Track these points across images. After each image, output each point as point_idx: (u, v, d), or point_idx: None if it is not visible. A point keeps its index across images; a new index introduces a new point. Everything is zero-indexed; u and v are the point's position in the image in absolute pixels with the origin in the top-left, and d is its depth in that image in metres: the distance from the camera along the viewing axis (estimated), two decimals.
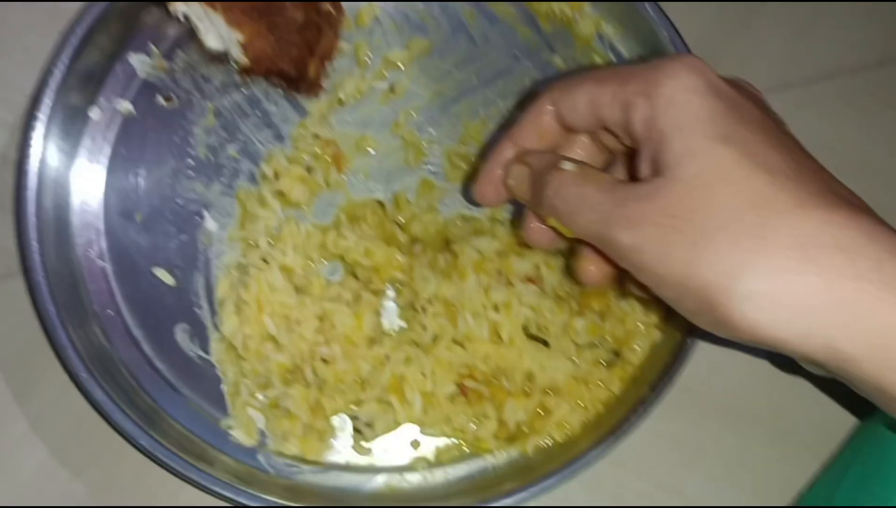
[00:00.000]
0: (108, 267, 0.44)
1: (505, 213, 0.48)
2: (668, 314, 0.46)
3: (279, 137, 0.47)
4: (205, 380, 0.44)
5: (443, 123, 0.49)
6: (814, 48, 0.56)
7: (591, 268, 0.38)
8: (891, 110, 0.55)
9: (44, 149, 0.43)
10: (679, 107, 0.32)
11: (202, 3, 0.45)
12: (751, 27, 0.56)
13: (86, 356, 0.41)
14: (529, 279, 0.45)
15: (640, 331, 0.46)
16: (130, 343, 0.43)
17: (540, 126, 0.38)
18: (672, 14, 0.49)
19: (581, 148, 0.39)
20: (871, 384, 0.29)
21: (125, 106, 0.46)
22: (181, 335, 0.44)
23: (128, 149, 0.46)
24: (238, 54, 0.46)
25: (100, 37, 0.44)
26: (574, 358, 0.45)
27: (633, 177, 0.35)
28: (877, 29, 0.56)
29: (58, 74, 0.43)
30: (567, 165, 0.35)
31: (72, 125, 0.44)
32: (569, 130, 0.38)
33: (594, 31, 0.51)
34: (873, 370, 0.28)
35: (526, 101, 0.49)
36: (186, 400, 0.43)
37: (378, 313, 0.45)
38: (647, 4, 0.49)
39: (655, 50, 0.49)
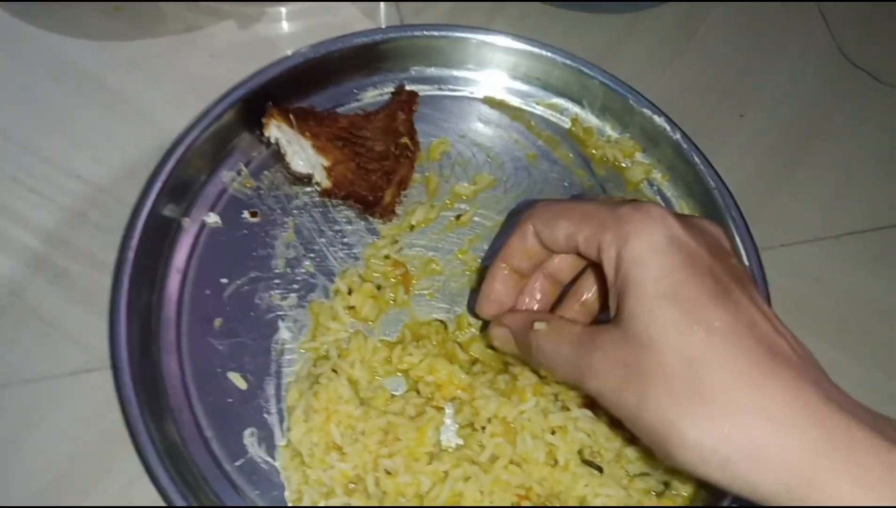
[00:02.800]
0: (187, 369, 0.46)
1: None
2: None
3: (353, 255, 0.50)
4: (269, 485, 0.45)
5: None
6: (847, 205, 0.60)
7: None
8: None
9: (138, 255, 0.45)
10: (640, 266, 0.35)
11: (293, 129, 0.49)
12: (791, 181, 0.60)
13: (161, 450, 0.42)
14: (585, 405, 0.47)
15: None
16: (201, 443, 0.45)
17: (525, 249, 0.42)
18: (718, 164, 0.53)
19: (564, 264, 0.43)
20: None
21: (213, 218, 0.49)
22: (249, 439, 0.45)
23: (212, 258, 0.49)
24: (322, 177, 0.49)
25: (196, 156, 0.49)
26: (626, 486, 0.46)
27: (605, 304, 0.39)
28: None
29: (156, 187, 0.47)
30: (539, 326, 0.41)
31: (164, 234, 0.48)
32: (550, 251, 0.42)
33: (644, 177, 0.56)
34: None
35: (512, 216, 0.52)
36: (251, 504, 0.44)
37: (439, 430, 0.47)
38: (694, 155, 0.53)
39: (701, 198, 0.53)
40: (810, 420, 0.31)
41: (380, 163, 0.50)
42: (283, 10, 0.59)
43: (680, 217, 0.37)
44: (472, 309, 0.50)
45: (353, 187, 0.50)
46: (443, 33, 0.54)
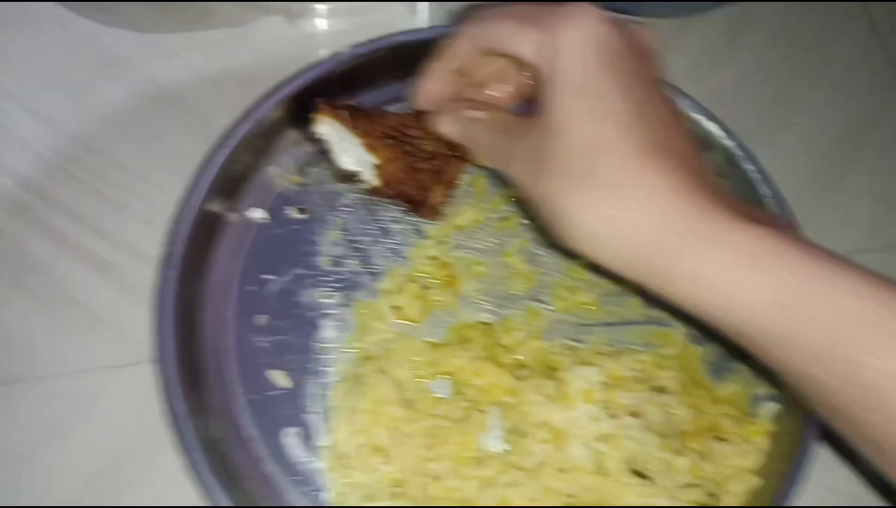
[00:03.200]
0: (231, 365, 0.45)
1: (610, 346, 0.49)
2: (768, 463, 0.47)
3: (399, 255, 0.50)
4: (311, 486, 0.44)
5: (551, 255, 0.51)
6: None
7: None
8: None
9: (185, 249, 0.45)
10: (562, 58, 0.37)
11: (344, 126, 0.48)
12: (840, 190, 0.59)
13: (203, 448, 0.41)
14: (634, 414, 0.46)
15: (737, 475, 0.46)
16: (242, 441, 0.44)
17: (467, 52, 0.43)
18: (771, 167, 0.52)
19: (497, 69, 0.44)
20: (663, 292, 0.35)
21: (261, 214, 0.49)
22: (292, 438, 0.45)
23: (258, 254, 0.48)
24: (371, 176, 0.49)
25: (244, 151, 0.48)
26: (674, 497, 0.45)
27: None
28: None
29: (204, 182, 0.46)
30: (480, 115, 0.43)
31: (212, 228, 0.47)
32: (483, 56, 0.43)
33: None
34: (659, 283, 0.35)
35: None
36: (291, 505, 0.44)
37: (484, 434, 0.46)
38: (749, 163, 0.52)
39: (755, 200, 0.52)
40: (683, 204, 0.34)
41: (429, 162, 0.49)
42: (326, 6, 0.58)
43: (612, 19, 0.38)
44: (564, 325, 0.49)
45: (403, 187, 0.49)
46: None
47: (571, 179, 0.36)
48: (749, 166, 0.52)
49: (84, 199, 0.50)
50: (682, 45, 0.63)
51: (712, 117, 0.52)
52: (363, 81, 0.53)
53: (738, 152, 0.52)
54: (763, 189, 0.52)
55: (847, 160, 0.61)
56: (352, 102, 0.50)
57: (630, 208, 0.34)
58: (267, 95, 0.49)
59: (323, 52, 0.55)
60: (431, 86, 0.45)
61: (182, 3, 0.56)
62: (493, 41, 0.41)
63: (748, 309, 0.33)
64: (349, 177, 0.50)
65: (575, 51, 0.37)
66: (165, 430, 0.43)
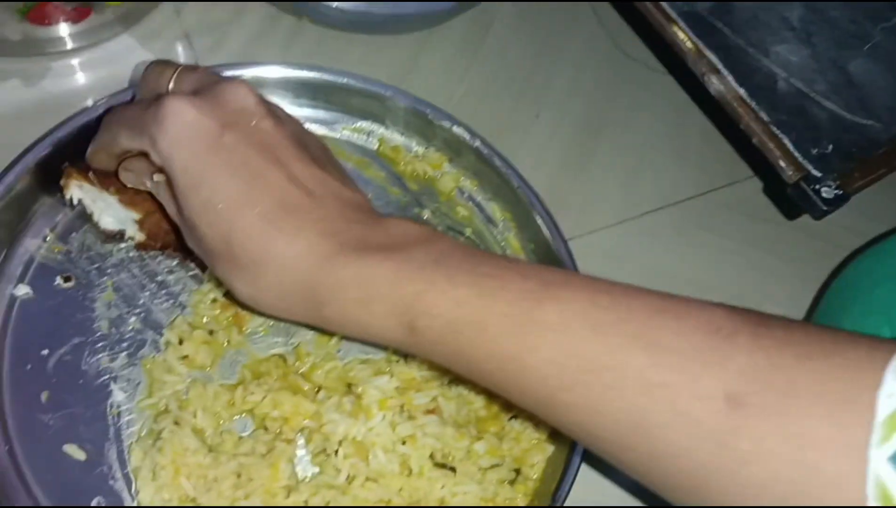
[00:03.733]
0: (17, 451, 0.44)
1: (401, 354, 0.52)
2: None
3: (179, 304, 0.50)
4: None
5: None
6: (641, 187, 0.66)
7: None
8: (707, 233, 0.65)
9: None
10: (169, 163, 0.39)
11: (96, 187, 0.47)
12: (589, 171, 0.66)
13: None
14: (429, 411, 0.49)
15: (534, 447, 0.50)
16: None
17: (108, 151, 0.45)
18: (521, 163, 0.57)
19: None
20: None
21: (24, 290, 0.47)
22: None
23: (29, 331, 0.47)
24: (134, 231, 0.48)
25: None
26: (480, 480, 0.48)
27: None
28: (688, 168, 0.68)
29: None
30: (158, 178, 0.43)
31: None
32: None
33: (454, 186, 0.59)
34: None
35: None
36: None
37: (292, 462, 0.47)
38: (496, 159, 0.56)
39: (509, 198, 0.57)
40: (310, 263, 0.38)
41: None
42: (73, 62, 0.57)
43: (202, 97, 0.40)
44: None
45: (169, 236, 0.49)
46: (240, 72, 0.54)
47: (221, 262, 0.40)
48: (498, 162, 0.56)
49: None
50: (427, 57, 0.67)
51: (457, 122, 0.56)
52: None
53: (485, 151, 0.56)
54: (514, 181, 0.56)
55: (592, 142, 0.67)
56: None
57: (275, 276, 0.38)
58: (9, 166, 0.47)
59: (69, 111, 0.54)
60: (96, 163, 0.46)
61: None
62: (117, 147, 0.43)
63: (383, 330, 0.39)
64: (115, 237, 0.50)
65: (174, 153, 0.39)
66: None
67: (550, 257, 0.54)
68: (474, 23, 0.69)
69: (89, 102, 0.51)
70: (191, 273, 0.51)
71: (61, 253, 0.49)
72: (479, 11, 0.68)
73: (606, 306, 0.35)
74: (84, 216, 0.50)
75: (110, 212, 0.48)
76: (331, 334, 0.51)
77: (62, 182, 0.47)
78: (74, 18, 0.54)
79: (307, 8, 0.62)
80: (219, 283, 0.51)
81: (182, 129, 0.38)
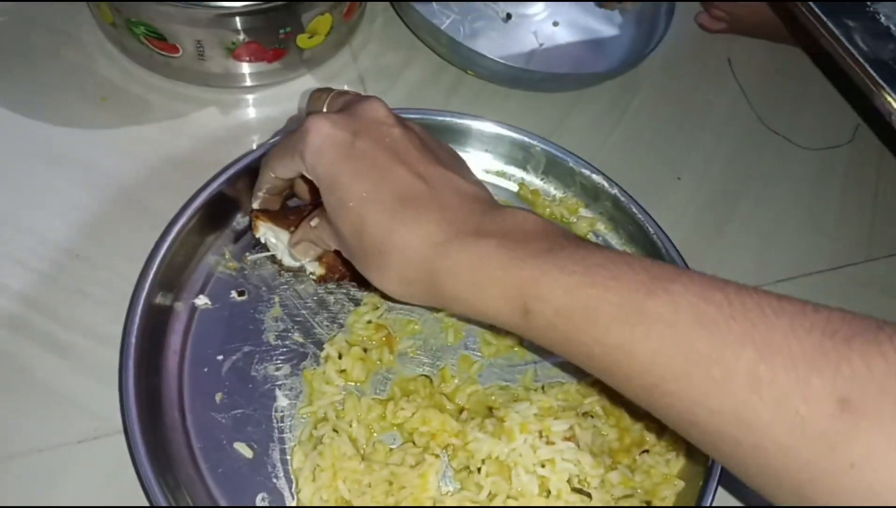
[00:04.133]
0: (194, 444, 0.48)
1: (537, 382, 0.55)
2: (687, 465, 0.52)
3: (338, 323, 0.54)
4: None
5: None
6: (776, 255, 0.68)
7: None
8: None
9: (139, 339, 0.48)
10: (314, 171, 0.44)
11: (280, 227, 0.52)
12: (724, 235, 0.68)
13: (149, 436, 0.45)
14: (566, 439, 0.51)
15: (665, 481, 0.52)
16: None
17: (271, 183, 0.51)
18: (663, 219, 0.60)
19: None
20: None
21: (203, 300, 0.52)
22: (261, 504, 0.48)
23: (206, 337, 0.51)
24: (314, 267, 0.53)
25: (183, 245, 0.52)
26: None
27: None
28: (823, 242, 0.69)
29: (149, 278, 0.50)
30: (314, 222, 0.49)
31: (160, 319, 0.50)
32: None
33: (590, 229, 0.62)
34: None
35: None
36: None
37: (438, 475, 0.50)
38: (632, 206, 0.59)
39: (643, 243, 0.59)
40: (432, 247, 0.41)
41: None
42: (261, 95, 0.64)
43: (341, 113, 0.46)
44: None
45: (346, 268, 0.53)
46: (406, 116, 0.59)
47: (359, 258, 0.44)
48: (635, 209, 0.59)
49: (42, 287, 0.53)
50: (577, 113, 0.71)
51: (597, 171, 0.60)
52: None
53: (623, 197, 0.59)
54: (651, 228, 0.59)
55: (730, 208, 0.70)
56: (277, 208, 0.54)
57: (398, 264, 0.42)
58: (201, 189, 0.53)
59: (255, 138, 0.61)
60: (264, 205, 0.53)
61: (122, 98, 0.61)
62: (278, 172, 0.49)
63: (496, 313, 0.41)
64: (296, 272, 0.54)
65: (317, 159, 0.44)
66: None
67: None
68: (624, 87, 0.73)
69: (272, 133, 0.57)
70: (349, 295, 0.55)
71: (236, 270, 0.54)
72: (629, 77, 0.72)
73: (718, 303, 0.35)
74: (259, 244, 0.55)
75: (291, 251, 0.53)
76: (473, 360, 0.55)
77: (252, 224, 0.52)
78: (270, 58, 0.60)
79: (473, 62, 0.67)
80: (374, 306, 0.55)
81: (321, 140, 0.44)
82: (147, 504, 0.45)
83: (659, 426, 0.54)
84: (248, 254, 0.55)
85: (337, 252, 0.51)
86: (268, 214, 0.53)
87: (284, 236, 0.53)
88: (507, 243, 0.40)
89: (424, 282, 0.42)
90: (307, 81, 0.65)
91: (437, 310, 0.56)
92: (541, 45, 0.73)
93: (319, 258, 0.52)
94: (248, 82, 0.62)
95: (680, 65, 0.77)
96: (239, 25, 0.57)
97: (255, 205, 0.53)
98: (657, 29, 0.73)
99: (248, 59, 0.59)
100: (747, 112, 0.76)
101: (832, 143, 0.76)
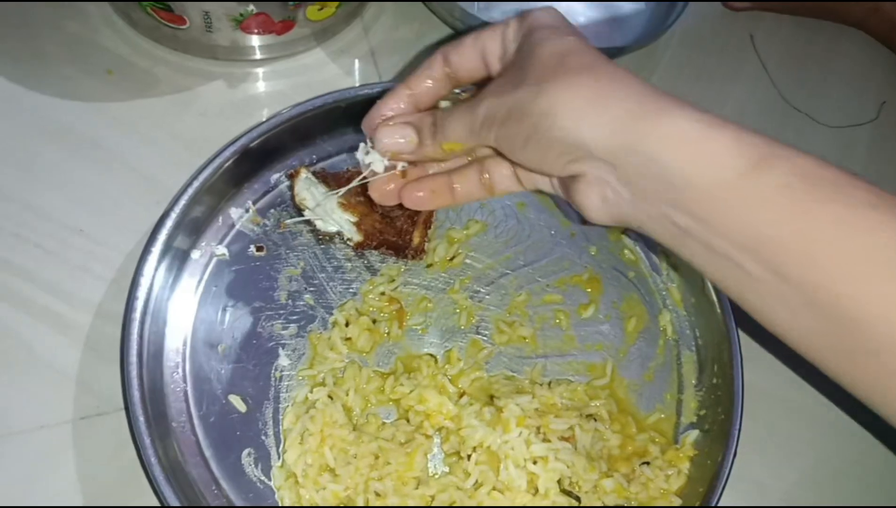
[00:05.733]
0: (189, 390, 0.49)
1: (545, 377, 0.53)
2: (688, 485, 0.50)
3: (351, 291, 0.54)
4: (263, 504, 0.47)
5: (493, 292, 0.55)
6: None
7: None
8: None
9: (151, 281, 0.48)
10: (537, 20, 0.41)
11: (322, 184, 0.52)
12: None
13: (166, 467, 0.45)
14: (564, 438, 0.50)
15: (661, 496, 0.50)
16: (200, 461, 0.47)
17: (431, 74, 0.45)
18: None
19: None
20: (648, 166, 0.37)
21: (221, 251, 0.52)
22: (246, 459, 0.48)
23: (219, 287, 0.52)
24: (352, 233, 0.52)
25: (207, 193, 0.52)
26: None
27: None
28: None
29: (169, 220, 0.50)
30: (443, 104, 0.46)
31: (175, 263, 0.51)
32: (457, 79, 0.46)
33: (623, 227, 0.59)
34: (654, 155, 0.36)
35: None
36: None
37: (426, 456, 0.49)
38: None
39: None
40: (642, 85, 0.37)
41: (401, 208, 0.51)
42: (270, 69, 0.62)
43: None
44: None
45: (383, 236, 0.52)
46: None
47: (543, 74, 0.39)
48: None
49: (43, 263, 0.52)
50: None
51: None
52: (320, 132, 0.57)
53: None
54: None
55: None
56: (316, 169, 0.54)
57: (601, 80, 0.38)
58: (228, 144, 0.52)
59: (265, 112, 0.59)
60: (392, 105, 0.46)
61: (128, 72, 0.59)
62: (468, 43, 0.44)
63: (718, 157, 0.36)
64: (331, 238, 0.54)
65: (543, 14, 0.42)
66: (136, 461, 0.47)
67: (711, 314, 0.54)
68: (642, 62, 0.71)
69: (283, 105, 0.55)
70: (367, 264, 0.54)
71: (258, 225, 0.54)
72: (646, 52, 0.70)
73: None
74: (283, 202, 0.55)
75: (329, 216, 0.53)
76: (483, 345, 0.54)
77: (292, 181, 0.52)
78: (279, 31, 0.59)
79: None
80: (391, 278, 0.54)
81: (556, 16, 0.42)
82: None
83: (666, 441, 0.53)
84: (283, 220, 0.54)
85: (376, 220, 0.51)
86: (312, 171, 0.53)
87: (322, 194, 0.52)
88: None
89: (633, 106, 0.37)
90: (317, 55, 0.63)
91: (453, 291, 0.55)
92: None
93: (358, 225, 0.52)
94: (257, 55, 0.61)
95: (700, 40, 0.75)
96: None
97: (389, 98, 0.46)
98: (677, 2, 0.69)
99: (256, 31, 0.58)
100: (769, 89, 0.73)
101: (856, 120, 0.73)
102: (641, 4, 0.71)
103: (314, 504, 0.47)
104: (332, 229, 0.53)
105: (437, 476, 0.50)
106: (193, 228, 0.52)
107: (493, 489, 0.48)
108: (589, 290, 0.57)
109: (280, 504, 0.47)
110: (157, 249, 0.49)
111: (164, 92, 0.59)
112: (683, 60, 0.72)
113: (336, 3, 0.59)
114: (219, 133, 0.56)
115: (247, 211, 0.54)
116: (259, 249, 0.53)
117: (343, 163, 0.56)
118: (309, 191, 0.53)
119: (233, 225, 0.54)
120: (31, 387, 0.49)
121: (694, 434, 0.53)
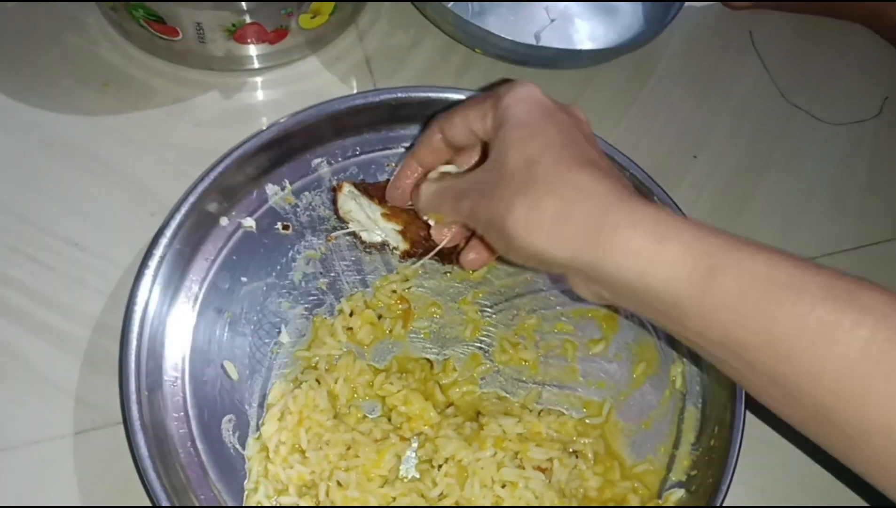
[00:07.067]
0: (188, 347, 0.51)
1: (538, 404, 0.53)
2: None
3: (364, 283, 0.54)
4: (233, 471, 0.49)
5: (504, 310, 0.55)
6: (798, 235, 0.65)
7: (471, 255, 0.50)
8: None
9: (171, 240, 0.50)
10: (509, 108, 0.43)
11: (366, 197, 0.53)
12: (745, 215, 0.65)
13: (147, 422, 0.47)
14: (540, 469, 0.49)
15: None
16: (182, 416, 0.49)
17: (431, 147, 0.49)
18: (682, 198, 0.58)
19: (463, 160, 0.50)
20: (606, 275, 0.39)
21: (249, 222, 0.54)
22: (226, 424, 0.50)
23: (239, 257, 0.53)
24: (398, 242, 0.53)
25: (247, 165, 0.54)
26: None
27: None
28: (849, 220, 0.67)
29: (204, 183, 0.52)
30: (431, 175, 0.49)
31: (202, 226, 0.53)
32: (454, 147, 0.48)
33: None
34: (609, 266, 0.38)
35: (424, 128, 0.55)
36: (210, 483, 0.48)
37: (399, 458, 0.49)
38: (651, 187, 0.56)
39: None
40: (608, 195, 0.39)
41: None
42: (265, 78, 0.62)
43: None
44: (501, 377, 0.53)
45: (429, 243, 0.52)
46: (415, 94, 0.58)
47: (512, 188, 0.41)
48: (652, 190, 0.56)
49: (39, 277, 0.53)
50: (592, 91, 0.68)
51: (613, 150, 0.57)
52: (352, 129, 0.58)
53: (640, 178, 0.56)
54: (670, 207, 0.55)
55: (750, 187, 0.67)
56: (357, 182, 0.55)
57: (566, 198, 0.39)
58: (272, 124, 0.54)
59: (262, 121, 0.60)
60: (406, 180, 0.51)
61: (123, 84, 0.60)
62: (458, 120, 0.46)
63: (671, 269, 0.37)
64: (378, 248, 0.55)
65: (516, 103, 0.43)
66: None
67: (723, 375, 0.51)
68: (641, 62, 0.69)
69: (279, 113, 0.56)
70: (386, 262, 0.55)
71: (290, 204, 0.56)
72: (645, 51, 0.68)
73: None
74: (319, 185, 0.56)
75: (374, 226, 0.54)
76: (482, 361, 0.53)
77: (335, 195, 0.54)
78: (272, 40, 0.59)
79: (482, 40, 0.63)
80: (405, 278, 0.55)
81: (529, 94, 0.43)
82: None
83: (649, 494, 0.51)
84: (329, 233, 0.55)
85: (420, 228, 0.52)
86: (354, 184, 0.54)
87: (371, 211, 0.53)
88: (684, 218, 0.39)
89: (590, 226, 0.38)
90: (312, 63, 0.63)
91: (465, 302, 0.55)
92: (552, 20, 0.69)
93: (403, 234, 0.53)
94: (252, 65, 0.61)
95: (699, 39, 0.73)
96: (238, 6, 0.55)
97: (403, 171, 0.51)
98: (673, 1, 0.67)
99: (249, 40, 0.58)
100: (769, 87, 0.72)
101: (858, 117, 0.72)
102: (638, 4, 0.70)
103: (278, 481, 0.48)
104: (378, 239, 0.54)
105: (405, 480, 0.50)
106: (228, 195, 0.54)
107: (456, 503, 0.48)
108: (604, 326, 0.56)
109: (247, 474, 0.49)
110: (153, 262, 0.50)
111: (160, 103, 0.60)
112: (683, 60, 0.71)
113: (329, 12, 0.59)
114: (215, 143, 0.56)
115: (282, 189, 0.56)
116: (285, 226, 0.55)
117: (351, 166, 0.57)
118: (355, 203, 0.54)
119: (265, 200, 0.55)
120: (28, 401, 0.50)
121: (679, 493, 0.50)
